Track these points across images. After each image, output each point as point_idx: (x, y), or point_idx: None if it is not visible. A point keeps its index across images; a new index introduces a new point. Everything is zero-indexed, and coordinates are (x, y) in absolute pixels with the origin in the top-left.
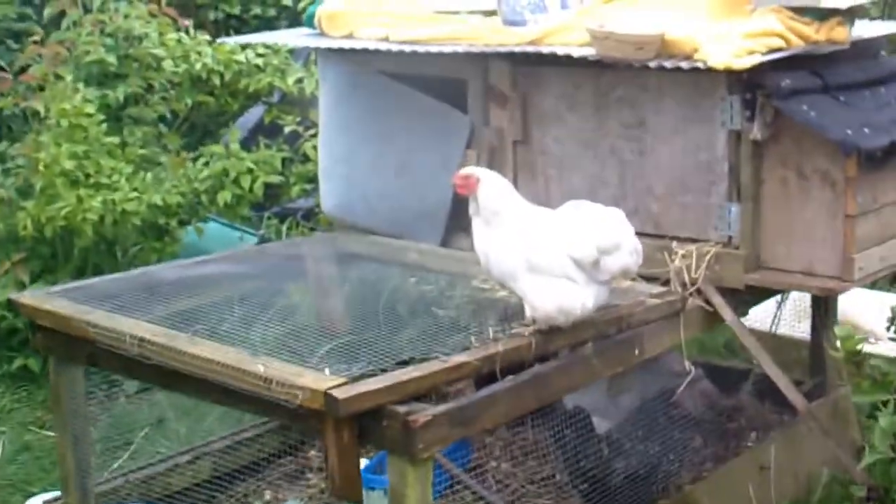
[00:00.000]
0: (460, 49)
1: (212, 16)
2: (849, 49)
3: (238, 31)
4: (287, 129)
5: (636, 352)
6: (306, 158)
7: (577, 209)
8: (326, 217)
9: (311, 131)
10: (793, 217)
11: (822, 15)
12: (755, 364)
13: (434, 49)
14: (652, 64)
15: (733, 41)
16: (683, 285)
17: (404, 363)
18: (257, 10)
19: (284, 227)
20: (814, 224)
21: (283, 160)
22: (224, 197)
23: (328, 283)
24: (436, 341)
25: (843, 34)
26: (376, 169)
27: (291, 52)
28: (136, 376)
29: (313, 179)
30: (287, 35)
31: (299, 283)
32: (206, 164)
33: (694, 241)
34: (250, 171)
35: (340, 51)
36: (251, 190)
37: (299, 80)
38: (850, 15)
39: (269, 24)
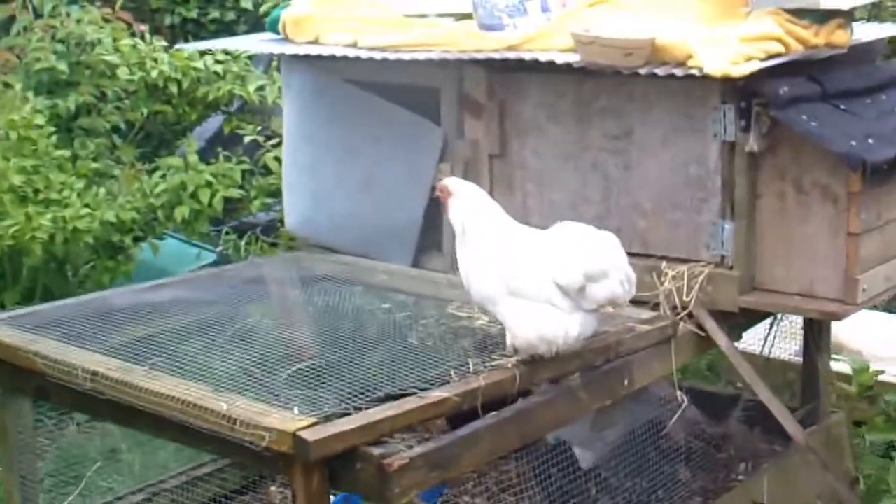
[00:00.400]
0: (434, 56)
1: (168, 20)
2: (846, 53)
3: (195, 36)
4: (247, 140)
5: (625, 382)
6: (267, 171)
7: (564, 230)
8: (288, 233)
9: (272, 141)
10: (791, 235)
11: (821, 18)
12: (743, 389)
13: (406, 56)
14: (642, 71)
15: (730, 46)
16: (674, 309)
17: (379, 400)
18: (215, 13)
19: (243, 243)
20: (814, 242)
21: (244, 173)
22: (182, 212)
23: (294, 310)
24: (412, 375)
25: (844, 38)
26: (343, 184)
27: (251, 58)
28: (89, 412)
29: (275, 193)
30: (250, 41)
31: (263, 309)
32: (163, 177)
33: (684, 261)
34: (209, 184)
35: (306, 57)
36: (210, 204)
37: (260, 88)
38: (850, 17)
39: (227, 28)
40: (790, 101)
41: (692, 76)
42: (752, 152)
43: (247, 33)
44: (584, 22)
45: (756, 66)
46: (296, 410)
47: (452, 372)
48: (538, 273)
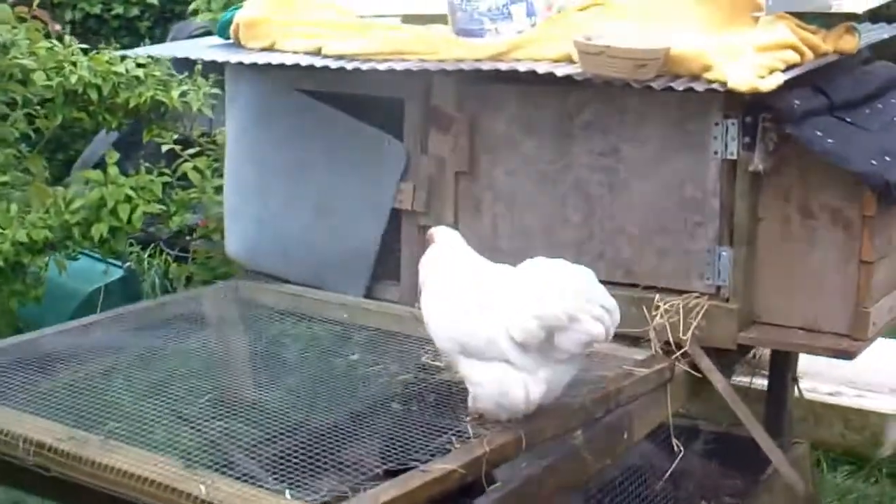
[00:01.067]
0: (413, 66)
1: (69, 15)
2: (840, 59)
3: (98, 33)
4: (164, 148)
5: (625, 435)
6: (187, 182)
7: (530, 271)
8: (203, 250)
9: (190, 150)
10: (794, 263)
11: (827, 22)
12: (700, 420)
13: (382, 66)
14: (655, 85)
15: (749, 56)
16: (666, 346)
17: (377, 477)
18: (119, 9)
19: (146, 256)
20: (820, 271)
21: (163, 185)
22: (100, 230)
23: (250, 359)
24: (408, 444)
25: (852, 43)
26: (293, 206)
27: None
28: (32, 490)
29: (195, 208)
30: (198, 47)
31: (219, 358)
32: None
33: (673, 291)
34: (129, 199)
35: (256, 65)
36: (129, 221)
37: (184, 94)
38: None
39: (131, 25)
40: (803, 115)
41: (692, 89)
42: (758, 172)
43: (151, 30)
44: (577, 27)
45: (780, 78)
46: (287, 494)
47: (454, 438)
48: (490, 329)
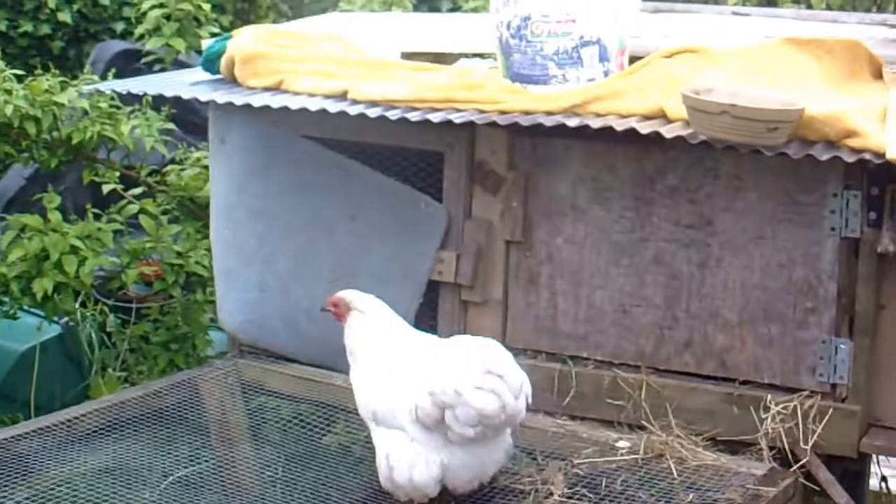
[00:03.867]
0: (476, 118)
1: None
2: None
3: (4, 52)
4: (106, 189)
5: None
6: (136, 228)
7: (443, 345)
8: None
9: (135, 190)
10: None
11: None
12: None
13: (435, 117)
14: (790, 151)
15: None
16: (778, 455)
17: None
18: (27, 26)
19: (77, 305)
20: None
21: (114, 234)
22: (43, 286)
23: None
24: None
25: None
26: (305, 273)
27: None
28: None
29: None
30: (184, 84)
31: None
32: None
33: (778, 388)
34: (75, 250)
35: (254, 106)
36: (77, 275)
37: (134, 129)
38: None
39: (41, 44)
40: None
41: (839, 158)
42: (887, 253)
43: (64, 50)
44: (668, 77)
45: None
46: None
47: None
48: (396, 404)
